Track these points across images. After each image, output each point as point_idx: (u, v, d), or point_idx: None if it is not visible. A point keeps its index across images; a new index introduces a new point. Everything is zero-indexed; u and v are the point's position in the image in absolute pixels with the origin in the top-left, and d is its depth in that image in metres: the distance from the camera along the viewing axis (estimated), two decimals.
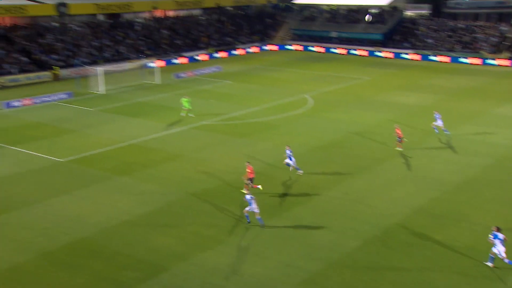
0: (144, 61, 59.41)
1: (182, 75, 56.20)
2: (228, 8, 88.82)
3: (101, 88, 47.64)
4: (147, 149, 30.66)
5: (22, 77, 52.12)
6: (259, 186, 23.85)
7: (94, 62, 59.46)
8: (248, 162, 24.45)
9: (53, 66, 54.63)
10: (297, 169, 26.33)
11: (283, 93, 47.00)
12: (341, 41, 78.46)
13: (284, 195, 24.21)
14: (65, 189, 24.55)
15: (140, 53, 63.89)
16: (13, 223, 21.14)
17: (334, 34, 79.11)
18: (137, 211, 22.24)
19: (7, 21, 61.03)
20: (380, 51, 72.07)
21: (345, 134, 33.56)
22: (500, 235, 17.82)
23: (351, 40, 77.10)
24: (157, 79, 53.08)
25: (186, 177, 26.18)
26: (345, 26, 79.03)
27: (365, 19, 34.49)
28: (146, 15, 77.10)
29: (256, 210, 20.64)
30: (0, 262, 18.40)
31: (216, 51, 73.72)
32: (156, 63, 57.74)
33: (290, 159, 26.13)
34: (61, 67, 56.48)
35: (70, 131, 34.58)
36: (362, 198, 23.87)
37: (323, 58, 71.13)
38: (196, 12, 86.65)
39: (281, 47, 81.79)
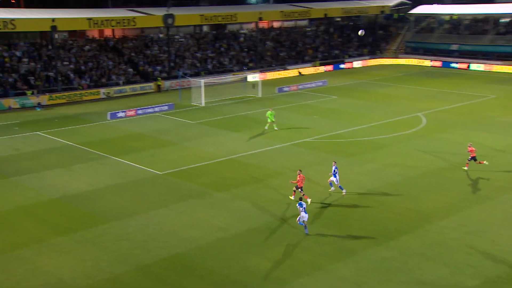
0: (246, 74, 61.01)
1: (285, 89, 56.83)
2: (337, 19, 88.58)
3: (202, 100, 49.63)
4: (246, 165, 31.21)
5: (127, 88, 56.04)
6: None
7: (196, 74, 62.29)
8: (300, 171, 25.30)
9: (158, 78, 58.08)
10: (341, 188, 26.18)
11: (393, 110, 45.69)
12: (461, 54, 74.62)
13: (390, 221, 23.25)
14: (163, 202, 25.70)
15: (243, 65, 65.76)
16: (114, 233, 22.51)
17: (454, 46, 75.43)
18: (233, 229, 22.62)
19: (117, 33, 66.28)
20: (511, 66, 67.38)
21: (463, 158, 31.67)
22: None
23: (474, 53, 73.01)
24: (259, 92, 54.15)
25: (286, 196, 26.17)
26: (467, 38, 75.16)
27: (358, 33, 34.27)
28: (251, 26, 79.39)
29: (305, 218, 21.82)
30: (101, 272, 19.62)
31: (322, 64, 73.66)
32: (259, 76, 58.97)
33: (335, 176, 25.91)
34: (164, 78, 59.90)
35: (169, 144, 36.27)
36: (481, 231, 22.25)
37: (439, 73, 68.21)
38: (303, 23, 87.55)
39: (393, 61, 79.58)
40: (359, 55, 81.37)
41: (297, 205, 22.59)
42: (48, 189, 27.53)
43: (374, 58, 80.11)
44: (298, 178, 24.71)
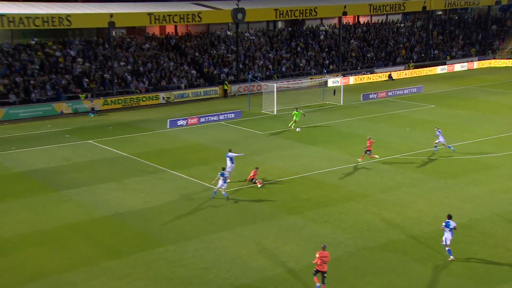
0: (326, 78, 61.01)
1: (372, 96, 56.34)
2: (438, 12, 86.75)
3: (274, 108, 50.12)
4: (324, 184, 31.15)
5: (189, 93, 57.63)
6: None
7: (268, 77, 63.01)
8: (257, 168, 30.61)
9: (225, 82, 59.28)
10: (449, 146, 31.44)
11: (508, 123, 44.03)
12: None
13: (502, 259, 22.31)
14: (226, 224, 26.10)
15: (322, 68, 65.83)
16: (170, 258, 23.10)
17: None
18: (306, 258, 22.60)
19: (180, 29, 68.41)
20: None
21: None
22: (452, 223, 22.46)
23: None
24: (341, 100, 53.96)
25: (368, 222, 25.90)
26: None
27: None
28: (333, 22, 79.38)
29: (223, 187, 28.37)
30: None
31: (414, 67, 72.37)
32: (341, 81, 58.83)
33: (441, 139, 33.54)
34: (231, 82, 61.02)
35: (236, 158, 36.82)
36: None
37: None
38: (395, 17, 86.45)
39: (509, 63, 76.74)
40: (465, 56, 79.15)
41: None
42: (100, 205, 28.72)
43: (484, 60, 77.53)
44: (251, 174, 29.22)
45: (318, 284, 20.39)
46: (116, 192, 30.68)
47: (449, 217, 23.17)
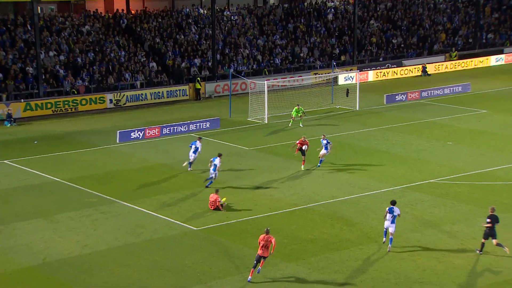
0: (337, 73, 61.28)
1: (400, 97, 56.54)
2: None
3: (265, 114, 50.12)
4: (334, 219, 31.11)
5: (147, 93, 57.58)
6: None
7: (256, 73, 63.09)
8: (217, 191, 32.23)
9: (197, 78, 59.31)
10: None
11: None
12: None
13: None
14: (201, 278, 25.92)
15: (331, 59, 66.13)
16: None
17: None
18: None
19: (134, 5, 68.31)
20: None
21: None
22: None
23: None
24: (357, 103, 54.08)
25: (397, 273, 25.91)
26: None
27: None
28: None
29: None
30: None
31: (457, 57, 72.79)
32: (357, 77, 59.09)
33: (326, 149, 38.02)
34: (206, 79, 61.05)
35: (213, 183, 36.74)
36: None
37: None
38: None
39: None
40: None
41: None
42: (20, 252, 28.22)
43: None
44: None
45: (250, 278, 25.18)
46: (44, 232, 30.29)
47: (393, 203, 27.79)
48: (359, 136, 45.62)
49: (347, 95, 56.01)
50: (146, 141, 45.64)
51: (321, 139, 39.11)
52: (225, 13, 70.21)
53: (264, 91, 50.62)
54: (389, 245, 27.78)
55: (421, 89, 58.35)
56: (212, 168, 35.63)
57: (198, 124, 48.02)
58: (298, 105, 48.51)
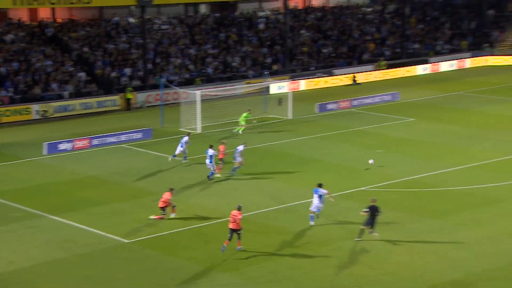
0: (268, 82, 61.57)
1: (331, 106, 57.14)
2: None
3: (198, 124, 50.03)
4: (268, 229, 31.19)
5: (76, 104, 56.85)
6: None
7: (188, 82, 62.95)
8: (172, 190, 32.62)
9: (127, 88, 58.84)
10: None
11: (511, 141, 45.43)
12: None
13: None
14: None
15: (263, 69, 66.46)
16: None
17: None
18: None
19: (61, 14, 67.38)
20: None
21: None
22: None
23: None
24: (289, 112, 54.42)
25: (331, 281, 26.09)
26: None
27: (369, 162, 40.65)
28: (276, 5, 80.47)
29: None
30: None
31: (385, 66, 74.03)
32: (289, 86, 59.42)
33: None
34: (137, 88, 60.61)
35: (145, 193, 36.44)
36: None
37: None
38: (360, 0, 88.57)
39: None
40: (453, 51, 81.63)
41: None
42: None
43: (479, 56, 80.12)
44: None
45: (224, 245, 28.31)
46: None
47: (319, 185, 31.44)
48: (292, 145, 45.88)
49: (279, 104, 56.29)
50: (75, 152, 44.99)
51: (238, 147, 39.30)
52: (155, 22, 69.88)
53: (196, 100, 50.50)
54: (311, 222, 31.37)
55: (352, 98, 59.09)
56: (208, 160, 38.01)
57: (129, 135, 47.57)
58: (249, 110, 49.82)
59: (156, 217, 32.47)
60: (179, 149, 41.21)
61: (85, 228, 31.61)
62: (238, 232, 28.61)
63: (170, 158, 41.58)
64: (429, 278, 26.18)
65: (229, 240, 28.42)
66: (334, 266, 27.39)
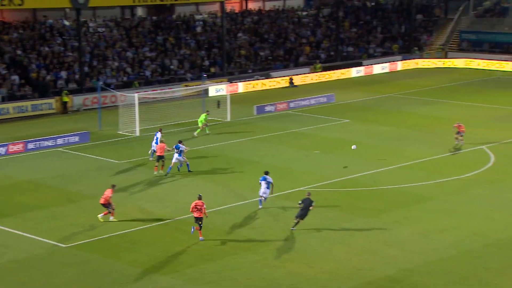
0: (207, 85, 61.65)
1: (269, 108, 57.58)
2: None
3: (136, 127, 49.90)
4: (206, 230, 31.26)
5: (10, 107, 55.99)
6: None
7: (126, 85, 62.61)
8: (113, 186, 32.83)
9: (63, 91, 58.24)
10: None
11: (441, 142, 46.58)
12: None
13: None
14: None
15: (201, 72, 66.54)
16: None
17: None
18: None
19: None
20: None
21: None
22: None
23: None
24: (228, 114, 54.66)
25: (269, 280, 26.33)
26: None
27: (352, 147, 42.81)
28: (213, 8, 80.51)
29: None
30: None
31: (320, 69, 74.85)
32: (227, 88, 59.70)
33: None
34: (73, 92, 60.03)
35: (81, 197, 36.23)
36: None
37: None
38: (295, 2, 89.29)
39: (440, 64, 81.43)
40: (385, 54, 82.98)
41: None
42: None
43: (409, 59, 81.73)
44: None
45: (193, 227, 30.39)
46: None
47: (266, 172, 34.15)
48: (231, 147, 46.10)
49: (218, 107, 56.43)
50: (10, 157, 44.37)
51: (176, 146, 39.86)
52: (91, 24, 69.34)
53: (134, 103, 50.36)
54: (260, 206, 34.00)
55: (289, 100, 59.55)
56: (177, 154, 39.33)
57: (66, 138, 47.08)
58: (208, 111, 50.14)
59: (103, 214, 32.47)
60: (154, 146, 41.64)
61: (20, 234, 31.20)
62: (201, 222, 30.24)
63: (150, 158, 42.39)
64: (364, 275, 26.76)
65: (198, 227, 30.34)
66: (273, 266, 27.70)
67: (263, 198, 33.91)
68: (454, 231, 31.22)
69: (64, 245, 29.91)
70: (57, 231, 31.46)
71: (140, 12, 77.08)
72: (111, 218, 32.45)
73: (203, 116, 48.87)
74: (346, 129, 51.04)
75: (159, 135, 41.99)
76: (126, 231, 31.50)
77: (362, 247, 29.47)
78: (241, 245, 29.80)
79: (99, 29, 69.04)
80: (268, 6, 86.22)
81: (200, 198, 30.63)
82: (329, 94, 62.32)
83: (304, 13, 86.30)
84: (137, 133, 49.56)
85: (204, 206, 30.26)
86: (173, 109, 55.23)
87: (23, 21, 66.81)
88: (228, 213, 33.72)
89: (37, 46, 63.36)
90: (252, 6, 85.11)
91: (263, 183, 33.63)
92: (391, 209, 34.20)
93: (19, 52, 61.83)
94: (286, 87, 69.52)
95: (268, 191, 33.70)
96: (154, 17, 74.97)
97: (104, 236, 30.87)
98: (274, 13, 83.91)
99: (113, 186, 33.03)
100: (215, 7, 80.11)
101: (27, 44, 63.19)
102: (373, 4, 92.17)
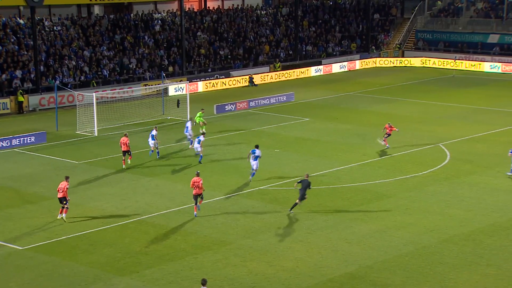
0: (166, 84, 61.35)
1: (229, 107, 57.48)
2: None
3: (94, 127, 49.43)
4: (168, 230, 31.23)
5: None
6: None
7: (84, 84, 62.02)
8: (67, 178, 32.56)
9: (19, 91, 57.42)
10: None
11: (399, 140, 46.83)
12: (506, 50, 77.64)
13: None
14: None
15: (159, 71, 66.17)
16: None
17: (494, 38, 78.56)
18: None
19: None
20: None
21: (510, 215, 32.86)
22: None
23: None
24: (187, 113, 54.44)
25: (231, 279, 26.40)
26: None
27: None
28: (171, 7, 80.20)
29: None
30: None
31: (281, 67, 75.02)
32: (186, 88, 59.44)
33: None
34: (29, 91, 59.24)
35: (38, 199, 35.79)
36: None
37: (472, 81, 70.74)
38: (254, 1, 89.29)
39: (397, 62, 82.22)
40: (344, 53, 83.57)
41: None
42: None
43: (367, 58, 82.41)
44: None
45: (195, 213, 32.41)
46: None
47: (256, 146, 37.40)
48: (188, 146, 45.92)
49: (178, 106, 56.18)
50: None
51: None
52: (46, 23, 68.39)
53: (92, 103, 49.85)
54: (250, 177, 37.62)
55: (249, 99, 59.57)
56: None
57: (22, 139, 46.40)
58: (202, 109, 49.51)
59: (60, 213, 32.20)
60: (151, 143, 42.36)
61: None
62: (201, 196, 32.70)
63: (150, 153, 43.02)
64: (325, 272, 26.89)
65: (196, 205, 32.68)
66: (234, 265, 27.69)
67: (254, 171, 37.43)
68: (411, 228, 31.53)
69: (20, 248, 29.52)
70: (13, 233, 31.07)
71: (97, 10, 76.45)
72: (63, 215, 32.09)
73: (198, 114, 48.73)
74: (306, 128, 51.19)
75: (154, 132, 42.55)
76: (84, 232, 31.21)
77: (323, 244, 29.61)
78: (202, 245, 29.71)
79: (56, 28, 68.13)
80: (227, 4, 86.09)
81: (198, 174, 32.87)
82: (288, 93, 62.44)
83: (263, 12, 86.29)
84: (96, 133, 49.08)
85: (201, 181, 32.41)
86: (133, 108, 54.94)
87: None
88: (188, 213, 33.54)
89: None
90: (211, 4, 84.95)
91: (252, 156, 37.08)
92: (351, 206, 34.44)
93: None
94: (246, 86, 69.56)
95: (255, 163, 37.09)
96: (112, 16, 74.30)
97: (62, 238, 30.56)
98: (233, 11, 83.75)
99: (67, 178, 32.71)
100: (174, 6, 79.93)
101: None
102: (331, 3, 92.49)
